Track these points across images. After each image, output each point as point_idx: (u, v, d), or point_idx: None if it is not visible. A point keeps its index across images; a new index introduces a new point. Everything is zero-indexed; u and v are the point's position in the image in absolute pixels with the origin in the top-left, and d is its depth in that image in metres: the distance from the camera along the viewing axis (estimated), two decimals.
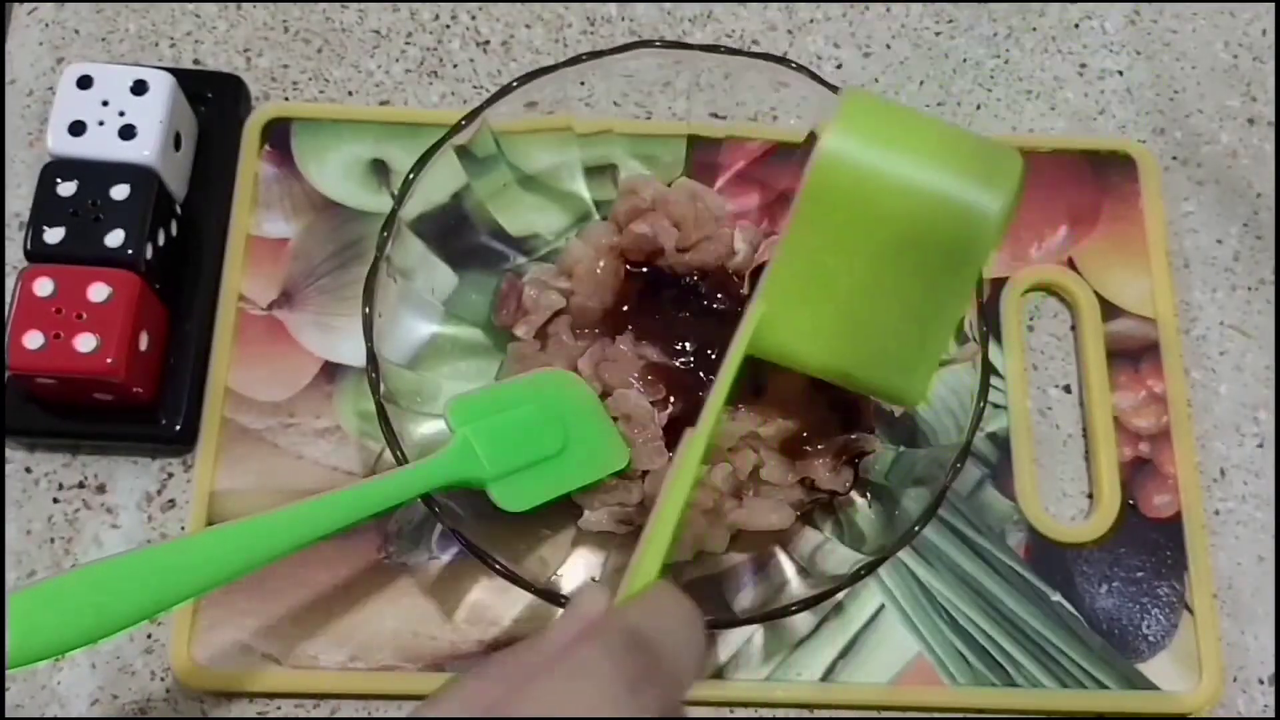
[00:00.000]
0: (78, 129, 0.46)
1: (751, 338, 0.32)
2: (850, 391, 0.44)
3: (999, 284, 0.51)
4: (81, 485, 0.47)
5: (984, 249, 0.30)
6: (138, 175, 0.46)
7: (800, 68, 0.43)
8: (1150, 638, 0.46)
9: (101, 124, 0.47)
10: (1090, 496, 0.48)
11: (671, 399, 0.44)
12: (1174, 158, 0.54)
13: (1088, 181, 0.53)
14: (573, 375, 0.44)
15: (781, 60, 0.43)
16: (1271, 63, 0.56)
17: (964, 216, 0.29)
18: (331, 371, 0.49)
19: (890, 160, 0.30)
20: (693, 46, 0.43)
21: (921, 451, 0.43)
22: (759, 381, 0.44)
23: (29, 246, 0.45)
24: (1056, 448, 0.49)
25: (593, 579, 0.44)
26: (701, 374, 0.45)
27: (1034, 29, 0.56)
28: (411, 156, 0.43)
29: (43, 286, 0.44)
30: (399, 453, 0.39)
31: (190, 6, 0.55)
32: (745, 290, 0.47)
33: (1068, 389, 0.50)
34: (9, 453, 0.48)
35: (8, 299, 0.45)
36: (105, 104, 0.47)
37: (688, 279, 0.46)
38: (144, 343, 0.45)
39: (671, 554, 0.29)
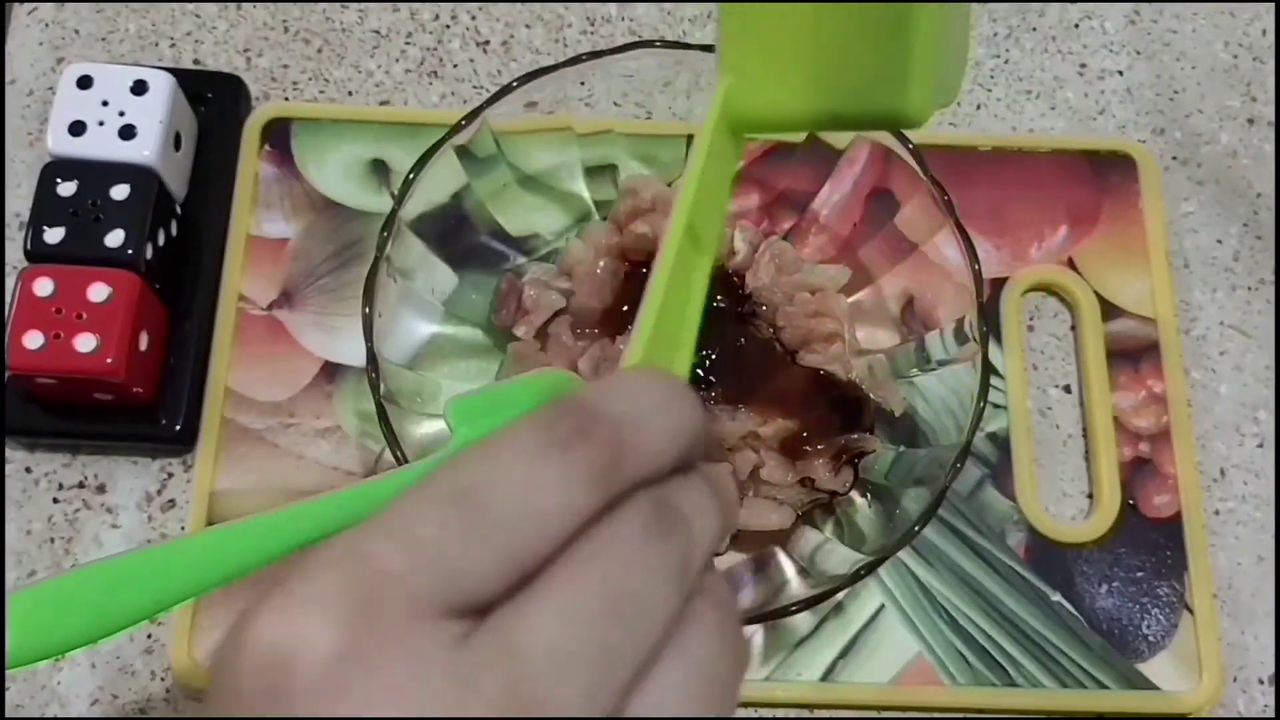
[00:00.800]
0: (78, 129, 0.46)
1: (725, 114, 0.28)
2: (850, 391, 0.44)
3: (999, 284, 0.51)
4: (81, 485, 0.47)
5: None
6: (138, 175, 0.46)
7: None
8: (1150, 638, 0.46)
9: (101, 124, 0.47)
10: (1090, 496, 0.48)
11: None
12: (1174, 158, 0.54)
13: (1088, 181, 0.53)
14: (573, 375, 0.44)
15: None
16: (1271, 63, 0.56)
17: None
18: (331, 371, 0.49)
19: None
20: (693, 46, 0.43)
21: (921, 451, 0.43)
22: (758, 380, 0.44)
23: (29, 246, 0.45)
24: (1056, 448, 0.49)
25: None
26: (701, 373, 0.45)
27: (1034, 29, 0.56)
28: (411, 156, 0.43)
29: (43, 286, 0.44)
30: (399, 453, 0.39)
31: (190, 6, 0.55)
32: (745, 291, 0.47)
33: (1068, 389, 0.50)
34: (9, 453, 0.48)
35: (8, 299, 0.45)
36: (105, 104, 0.47)
37: None
38: (144, 343, 0.45)
39: (673, 350, 0.25)
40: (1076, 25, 0.57)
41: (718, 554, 0.45)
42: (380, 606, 0.17)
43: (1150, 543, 0.47)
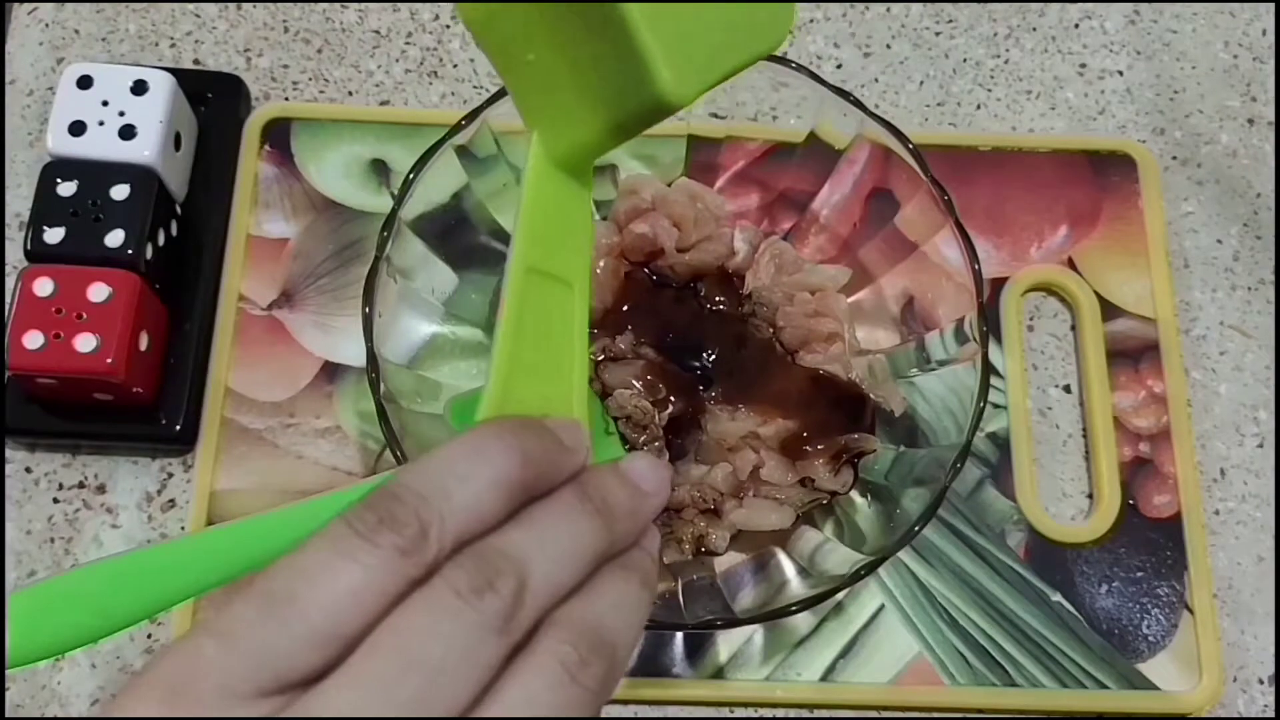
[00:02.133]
0: (78, 129, 0.46)
1: (545, 158, 0.30)
2: (850, 390, 0.44)
3: (999, 284, 0.51)
4: (81, 485, 0.47)
5: None
6: (138, 175, 0.46)
7: (800, 68, 0.43)
8: (1150, 638, 0.46)
9: (101, 124, 0.47)
10: (1090, 496, 0.48)
11: (671, 399, 0.44)
12: (1174, 158, 0.54)
13: (1088, 181, 0.53)
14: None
15: (781, 60, 0.43)
16: (1271, 63, 0.56)
17: None
18: (331, 371, 0.49)
19: None
20: None
21: (921, 451, 0.43)
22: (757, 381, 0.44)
23: (29, 246, 0.45)
24: (1056, 448, 0.49)
25: None
26: (701, 374, 0.45)
27: (1034, 29, 0.56)
28: (411, 156, 0.43)
29: (43, 286, 0.44)
30: (399, 453, 0.39)
31: (190, 6, 0.55)
32: (745, 291, 0.47)
33: (1068, 389, 0.50)
34: (9, 453, 0.48)
35: (8, 299, 0.45)
36: (105, 104, 0.47)
37: (689, 280, 0.46)
38: (144, 343, 0.45)
39: (548, 394, 0.27)
40: (1076, 25, 0.57)
41: (715, 553, 0.44)
42: (192, 690, 0.20)
43: (1150, 543, 0.47)
